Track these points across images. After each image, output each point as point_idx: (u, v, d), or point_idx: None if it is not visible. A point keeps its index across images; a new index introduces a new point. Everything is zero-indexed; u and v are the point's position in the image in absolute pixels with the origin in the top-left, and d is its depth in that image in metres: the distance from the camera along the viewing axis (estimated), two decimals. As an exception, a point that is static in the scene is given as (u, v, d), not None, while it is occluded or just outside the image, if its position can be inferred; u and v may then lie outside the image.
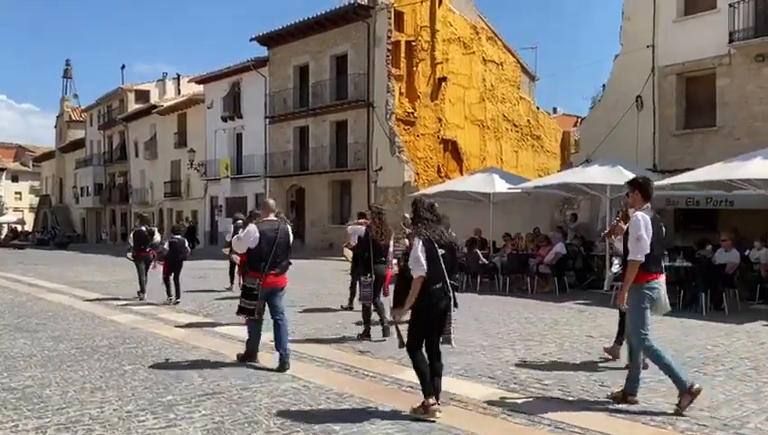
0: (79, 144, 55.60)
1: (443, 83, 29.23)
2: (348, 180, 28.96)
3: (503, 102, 32.82)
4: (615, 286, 11.74)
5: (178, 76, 48.25)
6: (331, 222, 29.15)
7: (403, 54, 27.69)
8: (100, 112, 51.58)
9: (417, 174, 27.13)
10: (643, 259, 5.03)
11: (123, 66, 61.40)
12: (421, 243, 4.78)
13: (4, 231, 58.27)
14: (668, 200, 15.43)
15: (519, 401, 5.29)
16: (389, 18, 26.67)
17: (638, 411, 4.97)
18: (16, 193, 74.84)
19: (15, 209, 70.89)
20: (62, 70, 62.25)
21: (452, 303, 4.87)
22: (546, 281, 13.34)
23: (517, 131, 33.75)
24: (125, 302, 11.88)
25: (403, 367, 6.42)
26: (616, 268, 11.61)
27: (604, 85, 20.42)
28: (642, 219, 5.05)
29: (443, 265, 4.78)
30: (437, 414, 4.76)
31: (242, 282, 7.08)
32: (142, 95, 46.94)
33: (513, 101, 33.62)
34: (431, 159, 28.87)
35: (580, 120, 46.44)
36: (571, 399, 5.37)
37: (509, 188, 14.44)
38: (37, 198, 67.98)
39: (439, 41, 29.07)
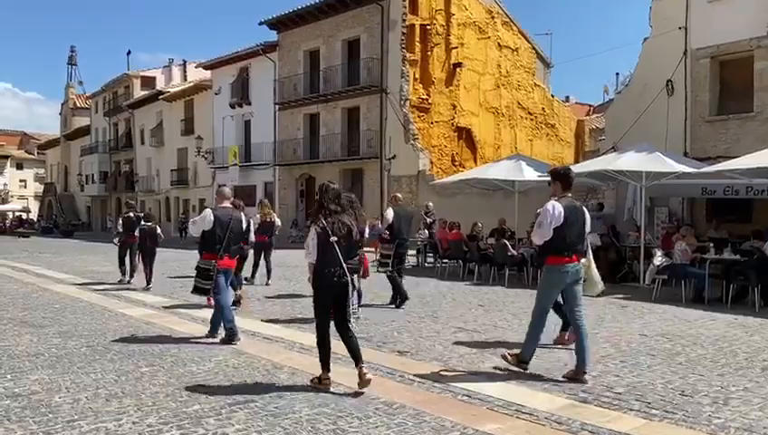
0: (84, 131, 54.93)
1: (458, 69, 28.41)
2: (360, 169, 28.24)
3: (518, 89, 31.99)
4: (656, 280, 11.10)
5: (185, 62, 47.56)
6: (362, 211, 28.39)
7: (417, 38, 26.88)
8: (105, 99, 50.87)
9: (432, 162, 26.41)
10: (540, 243, 5.60)
11: (129, 52, 60.16)
12: (314, 231, 5.15)
13: (9, 219, 57.80)
14: (704, 190, 14.70)
15: (597, 416, 4.61)
16: (404, 1, 25.84)
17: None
18: (21, 181, 74.30)
19: (20, 197, 70.37)
20: (67, 56, 61.60)
21: (350, 285, 5.15)
22: (578, 274, 12.62)
23: (532, 119, 32.93)
24: (135, 293, 11.26)
25: (455, 373, 5.76)
26: (658, 261, 11.00)
27: (617, 73, 19.62)
28: (551, 209, 5.39)
29: (337, 251, 5.09)
30: (331, 389, 5.17)
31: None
32: (148, 82, 46.23)
33: (528, 88, 32.77)
34: (445, 147, 28.12)
35: (592, 108, 45.96)
36: (654, 412, 4.69)
37: (539, 176, 13.70)
38: (42, 186, 67.42)
39: (454, 25, 28.25)
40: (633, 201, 16.57)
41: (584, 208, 5.71)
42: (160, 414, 4.53)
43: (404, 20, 25.96)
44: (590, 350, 5.66)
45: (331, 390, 5.15)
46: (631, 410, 4.74)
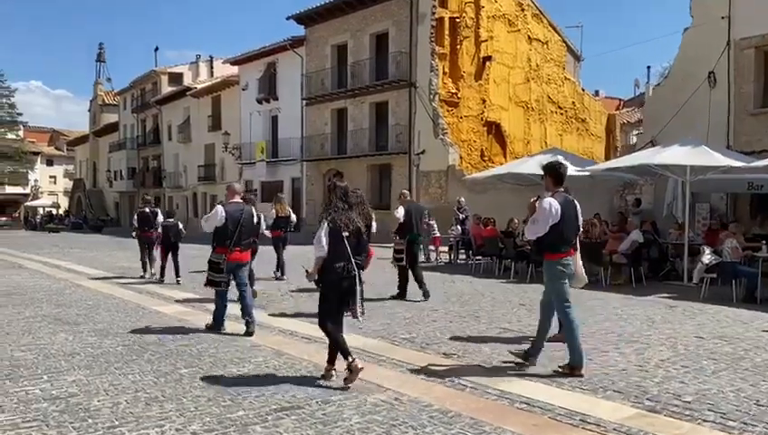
0: (112, 128, 55.43)
1: (487, 63, 27.95)
2: (388, 164, 27.93)
3: (548, 83, 31.42)
4: (704, 279, 10.65)
5: (211, 58, 47.67)
6: (370, 207, 28.14)
7: (447, 32, 26.46)
8: (133, 96, 51.23)
9: (461, 157, 26.01)
10: (532, 238, 5.66)
11: (156, 48, 61.24)
12: (326, 226, 5.22)
13: (40, 215, 58.65)
14: (750, 184, 14.13)
15: (669, 428, 4.27)
16: (434, -7, 25.45)
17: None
18: (51, 177, 75.25)
19: (50, 193, 71.34)
20: (96, 54, 62.14)
21: (357, 280, 5.24)
22: (620, 272, 12.22)
23: (562, 114, 32.34)
24: (167, 289, 11.13)
25: (508, 377, 5.45)
26: (707, 259, 10.53)
27: (649, 67, 19.06)
28: (548, 207, 5.37)
29: (347, 247, 5.19)
30: (332, 379, 5.27)
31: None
32: (175, 78, 46.41)
33: (559, 81, 32.17)
34: (474, 141, 27.68)
35: (622, 103, 45.07)
36: (731, 424, 4.33)
37: (578, 171, 13.28)
38: (71, 182, 68.26)
39: (484, 17, 27.78)
40: (673, 197, 16.05)
41: (576, 202, 5.69)
42: (204, 420, 4.30)
43: (433, 13, 25.57)
44: (579, 343, 5.58)
45: (333, 380, 5.27)
46: (706, 421, 4.39)
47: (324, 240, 5.16)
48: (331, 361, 5.35)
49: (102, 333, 7.30)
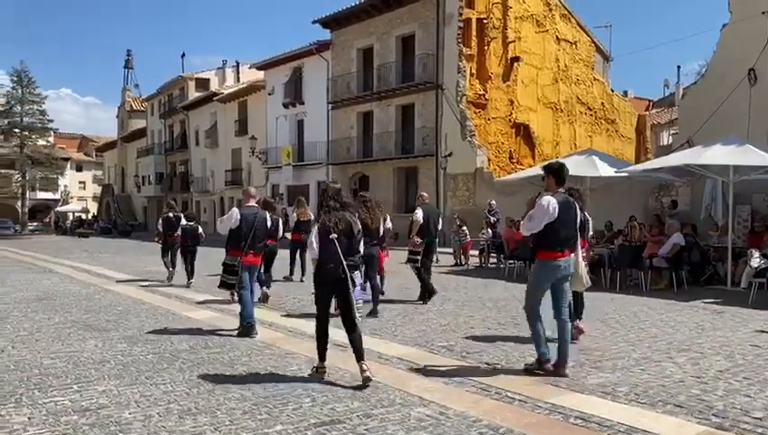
0: (140, 133, 55.98)
1: (515, 63, 27.57)
2: (414, 167, 27.68)
3: (577, 84, 30.92)
4: (752, 283, 10.19)
5: (237, 64, 47.83)
6: (396, 211, 27.90)
7: (474, 33, 26.14)
8: (160, 102, 51.69)
9: (489, 160, 25.63)
10: (527, 234, 5.69)
11: (183, 55, 62.17)
12: (316, 229, 5.36)
13: (70, 220, 59.44)
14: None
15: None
16: (460, -6, 25.16)
17: None
18: (80, 182, 76.36)
19: (80, 198, 72.34)
20: (124, 60, 62.95)
21: (349, 282, 5.22)
22: (660, 276, 11.79)
23: (591, 115, 31.81)
24: (196, 294, 10.98)
25: (558, 389, 5.14)
26: (756, 262, 10.08)
27: (679, 67, 18.50)
28: (546, 205, 5.39)
29: (337, 248, 5.21)
30: (325, 377, 5.38)
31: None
32: (202, 83, 46.68)
33: (588, 82, 31.65)
34: (503, 143, 27.30)
35: (651, 103, 44.22)
36: (810, 443, 3.98)
37: (616, 172, 12.89)
38: (100, 187, 69.12)
39: (512, 18, 27.42)
40: (711, 198, 15.52)
41: (576, 204, 5.74)
42: (240, 436, 4.07)
43: (460, 14, 25.29)
44: (568, 344, 5.65)
45: (326, 378, 5.38)
46: (781, 440, 4.04)
47: (315, 242, 5.27)
48: (321, 357, 5.49)
49: (132, 339, 7.13)
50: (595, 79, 31.94)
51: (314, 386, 5.22)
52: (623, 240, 12.55)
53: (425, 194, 10.94)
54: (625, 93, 40.58)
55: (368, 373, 5.15)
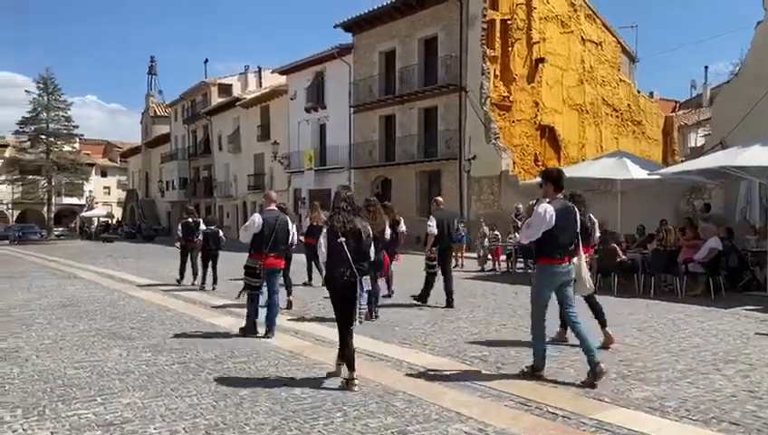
0: (164, 139, 56.43)
1: (540, 65, 27.17)
2: (437, 170, 27.40)
3: (602, 85, 30.42)
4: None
5: (260, 69, 48.02)
6: (419, 214, 27.61)
7: (498, 34, 25.82)
8: (184, 107, 52.04)
9: (513, 162, 25.27)
10: (525, 242, 5.82)
11: (206, 61, 62.52)
12: (325, 231, 5.48)
13: (95, 225, 60.08)
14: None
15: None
16: (484, -5, 24.86)
17: None
18: (105, 188, 77.25)
19: (104, 203, 73.15)
20: (147, 67, 63.57)
21: (357, 285, 5.27)
22: (696, 282, 11.39)
23: (617, 116, 31.28)
24: (219, 299, 10.84)
25: (602, 403, 4.86)
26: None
27: (707, 67, 17.97)
28: (543, 213, 5.40)
29: (346, 252, 5.27)
30: (355, 388, 5.21)
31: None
32: (225, 89, 46.91)
33: (613, 83, 31.13)
34: (527, 146, 26.91)
35: (678, 105, 43.42)
36: None
37: (650, 174, 12.51)
38: (124, 193, 69.81)
39: (536, 19, 27.04)
40: (747, 201, 15.07)
41: (576, 210, 5.74)
42: (270, 454, 3.86)
43: (484, 15, 24.99)
44: (594, 345, 5.55)
45: (355, 389, 5.22)
46: None
47: (324, 244, 5.36)
48: (350, 367, 5.38)
49: (157, 348, 6.98)
50: (621, 80, 31.43)
51: (345, 399, 5.01)
52: (657, 244, 12.16)
53: (440, 199, 10.74)
54: (651, 94, 39.94)
55: (355, 385, 5.25)
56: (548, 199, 5.57)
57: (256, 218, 7.46)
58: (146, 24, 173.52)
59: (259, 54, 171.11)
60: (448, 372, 5.87)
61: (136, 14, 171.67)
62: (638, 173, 12.84)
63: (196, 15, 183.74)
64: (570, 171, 16.62)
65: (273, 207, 7.76)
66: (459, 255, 18.23)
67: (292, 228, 8.82)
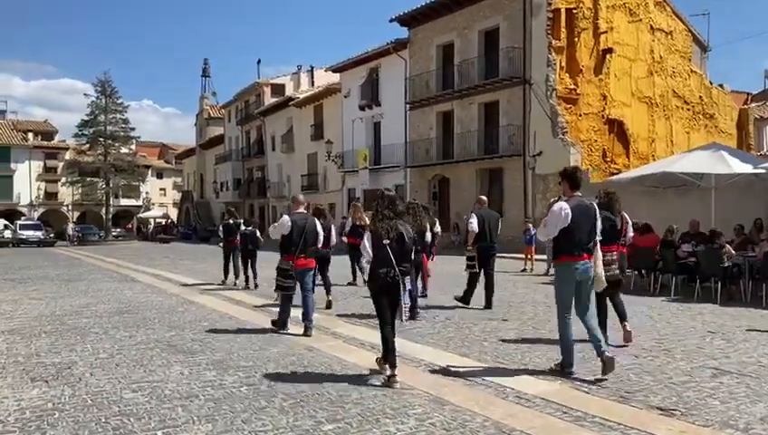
0: (218, 140, 56.77)
1: (608, 55, 25.73)
2: (499, 168, 26.28)
3: (672, 77, 28.71)
4: None
5: (312, 68, 47.66)
6: (428, 215, 26.48)
7: (563, 24, 24.53)
8: (237, 108, 52.18)
9: (582, 158, 23.92)
10: (543, 239, 6.06)
11: (259, 61, 63.27)
12: (368, 235, 5.59)
13: (151, 226, 60.98)
14: None
15: None
16: (549, -17, 23.62)
17: None
18: (161, 189, 78.50)
19: (160, 205, 74.32)
20: (201, 69, 64.13)
21: (401, 286, 5.38)
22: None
23: (688, 109, 29.50)
24: (262, 301, 10.07)
25: (650, 413, 3.83)
26: None
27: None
28: (558, 210, 5.53)
29: (390, 254, 5.38)
30: (396, 385, 5.29)
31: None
32: (278, 89, 46.74)
33: (684, 75, 29.37)
34: (595, 141, 25.49)
35: (750, 96, 41.00)
36: None
37: (757, 168, 11.21)
38: (179, 194, 70.74)
39: (603, 7, 25.62)
40: None
41: (596, 206, 5.83)
42: None
43: (549, 4, 23.78)
44: (601, 346, 5.60)
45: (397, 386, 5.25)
46: None
47: (368, 247, 5.47)
48: (392, 365, 5.44)
49: (222, 365, 6.22)
50: (692, 71, 29.66)
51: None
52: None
53: (483, 198, 10.57)
54: (720, 86, 37.80)
55: (397, 382, 5.34)
56: (566, 197, 5.67)
57: (285, 220, 7.68)
58: (200, 26, 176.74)
59: (311, 55, 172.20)
60: (565, 403, 4.89)
61: (190, 15, 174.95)
62: (741, 167, 11.52)
63: (249, 16, 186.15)
64: (654, 167, 15.50)
65: (301, 209, 7.92)
66: (528, 257, 17.30)
67: (329, 229, 9.17)
